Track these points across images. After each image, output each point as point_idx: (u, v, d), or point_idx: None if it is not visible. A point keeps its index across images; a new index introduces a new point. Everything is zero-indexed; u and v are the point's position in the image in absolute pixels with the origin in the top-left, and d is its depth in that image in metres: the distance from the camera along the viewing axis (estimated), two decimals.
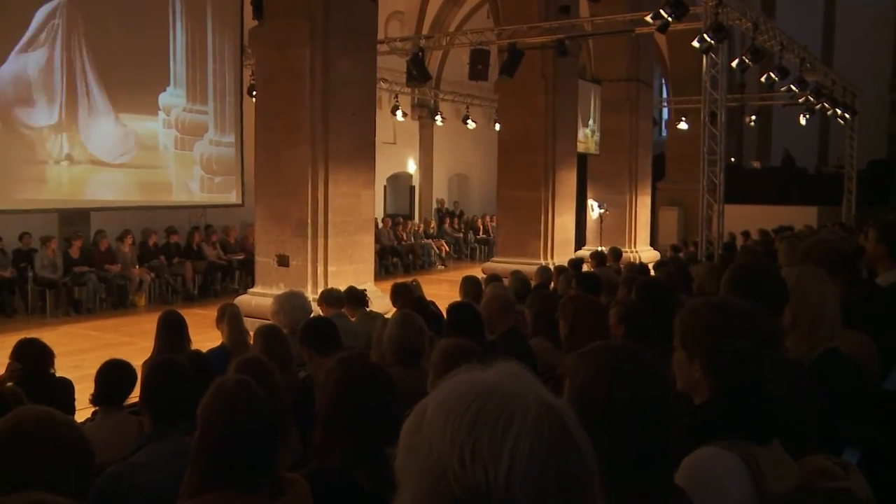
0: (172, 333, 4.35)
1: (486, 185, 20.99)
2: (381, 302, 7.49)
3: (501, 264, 12.22)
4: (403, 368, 3.35)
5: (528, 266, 9.72)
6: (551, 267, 8.31)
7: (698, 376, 1.65)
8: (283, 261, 8.64)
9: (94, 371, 3.26)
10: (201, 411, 1.91)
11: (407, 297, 5.53)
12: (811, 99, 15.92)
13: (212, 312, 5.07)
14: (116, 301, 10.99)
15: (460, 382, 0.77)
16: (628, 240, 15.70)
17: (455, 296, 6.41)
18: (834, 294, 2.29)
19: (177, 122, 10.97)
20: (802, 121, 17.78)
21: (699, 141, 11.08)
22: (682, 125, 19.23)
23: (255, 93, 10.10)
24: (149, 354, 4.27)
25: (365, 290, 6.21)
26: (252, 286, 9.34)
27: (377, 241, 13.60)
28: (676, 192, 19.74)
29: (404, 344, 3.42)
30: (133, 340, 8.29)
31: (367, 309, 5.98)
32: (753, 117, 20.96)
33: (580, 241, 16.25)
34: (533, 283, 7.09)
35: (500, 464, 0.70)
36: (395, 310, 5.98)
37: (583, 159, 15.33)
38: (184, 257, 12.20)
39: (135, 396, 3.08)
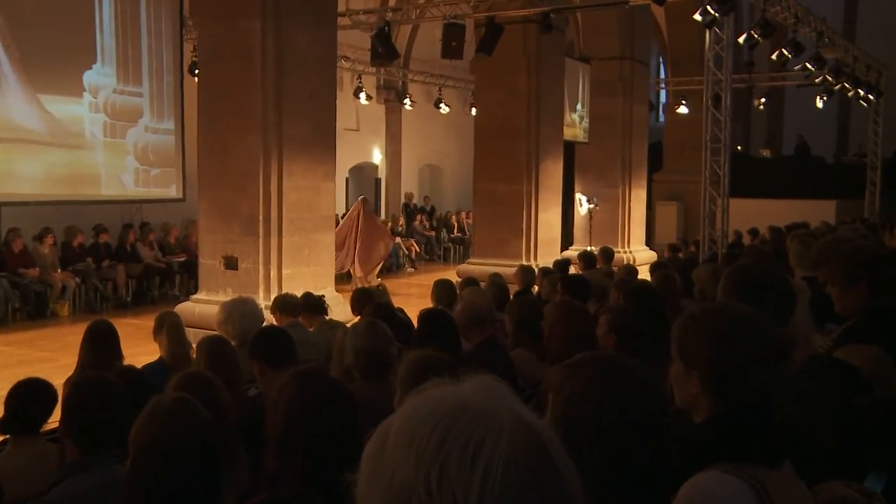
0: (101, 347, 4.29)
1: (461, 177, 21.03)
2: (342, 309, 7.46)
3: (478, 266, 12.25)
4: (368, 384, 3.34)
5: (509, 268, 9.75)
6: (535, 269, 8.35)
7: (697, 391, 1.66)
8: (230, 263, 8.57)
9: (4, 393, 3.18)
10: (134, 436, 1.88)
11: (371, 303, 5.53)
12: (829, 79, 15.71)
13: (148, 322, 5.01)
14: (34, 310, 10.75)
15: (427, 400, 0.76)
16: (621, 239, 15.84)
17: (426, 302, 6.41)
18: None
19: (106, 106, 10.73)
20: (819, 103, 17.87)
21: (701, 127, 11.23)
22: (682, 109, 19.45)
23: (197, 72, 9.99)
24: (72, 371, 4.20)
25: (324, 296, 6.20)
26: (195, 292, 9.27)
27: (337, 242, 13.54)
28: (675, 184, 19.99)
29: (369, 356, 3.42)
30: (54, 356, 8.13)
31: (327, 317, 5.96)
32: (763, 100, 20.85)
33: (567, 241, 16.35)
34: (514, 288, 7.12)
35: (471, 490, 0.69)
36: (357, 318, 5.98)
37: (570, 148, 15.44)
38: (115, 259, 12.04)
39: (55, 421, 3.01)
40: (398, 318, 5.65)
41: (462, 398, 0.75)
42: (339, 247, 13.90)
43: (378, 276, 13.89)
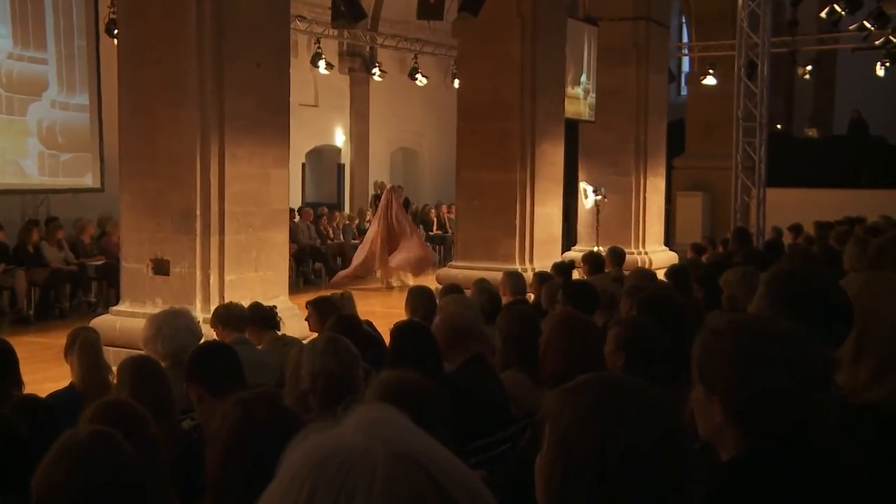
0: None
1: (442, 162, 21.06)
2: (297, 323, 7.44)
3: (462, 270, 12.27)
4: (328, 414, 3.35)
5: (499, 273, 9.78)
6: (530, 274, 8.38)
7: (720, 420, 1.68)
8: (160, 267, 8.55)
9: None
10: (38, 480, 1.87)
11: (333, 315, 5.53)
12: (894, 40, 15.50)
13: (56, 340, 4.99)
14: None
15: (301, 452, 0.79)
16: (634, 237, 15.94)
17: (400, 313, 6.41)
18: None
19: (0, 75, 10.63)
20: (880, 71, 17.78)
21: (732, 102, 11.29)
22: (709, 80, 19.58)
23: (116, 32, 9.93)
24: None
25: (275, 306, 6.20)
26: (116, 303, 9.23)
27: (293, 239, 13.52)
28: (700, 172, 20.13)
29: (329, 380, 3.43)
30: None
31: (279, 332, 5.96)
32: (809, 68, 20.56)
33: (569, 239, 16.40)
34: (505, 296, 7.14)
35: None
36: (316, 333, 5.96)
37: (573, 128, 15.51)
38: (14, 263, 11.91)
39: None
40: (365, 333, 5.65)
41: (336, 443, 0.77)
42: (366, 248, 14.63)
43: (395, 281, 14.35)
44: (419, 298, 6.23)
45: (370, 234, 15.36)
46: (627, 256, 10.85)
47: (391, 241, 14.99)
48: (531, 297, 7.87)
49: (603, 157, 15.95)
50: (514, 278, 7.63)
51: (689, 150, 20.91)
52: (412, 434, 0.79)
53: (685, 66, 24.87)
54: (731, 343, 1.69)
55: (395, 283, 15.10)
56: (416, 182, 22.74)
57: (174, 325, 4.85)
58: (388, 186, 16.28)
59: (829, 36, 18.78)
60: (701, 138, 20.43)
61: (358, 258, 15.24)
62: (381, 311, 10.30)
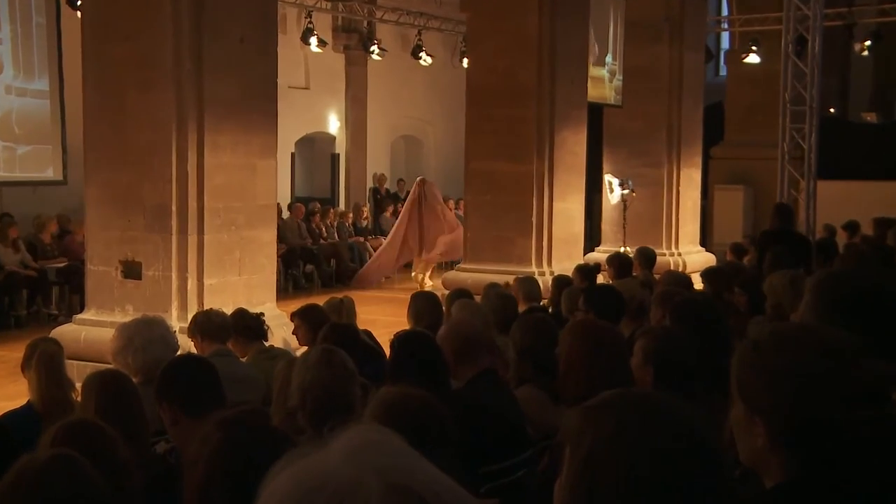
0: None
1: (449, 153, 21.07)
2: (286, 332, 7.45)
3: (472, 274, 12.27)
4: (320, 434, 3.35)
5: (513, 277, 9.76)
6: (548, 278, 8.38)
7: (763, 443, 1.68)
8: (131, 270, 8.56)
9: None
10: None
11: (325, 324, 5.53)
12: None
13: (13, 353, 5.00)
14: None
15: (285, 479, 0.79)
16: (666, 236, 15.93)
17: (402, 322, 6.42)
18: None
19: None
20: None
21: (778, 83, 11.23)
22: (753, 58, 19.54)
23: (80, 4, 9.95)
24: None
25: (262, 314, 6.21)
26: (81, 310, 9.25)
27: (281, 239, 13.53)
28: (742, 162, 20.07)
29: (321, 397, 3.43)
30: None
31: (266, 343, 5.96)
32: (867, 43, 20.16)
33: (593, 239, 16.37)
34: (520, 303, 7.15)
35: None
36: (306, 348, 5.97)
37: (597, 114, 15.49)
38: None
39: None
40: (363, 343, 5.66)
41: (324, 470, 0.78)
42: (396, 245, 15.11)
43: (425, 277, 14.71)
44: (423, 305, 6.24)
45: (399, 231, 15.78)
46: (658, 258, 10.84)
47: (424, 238, 15.43)
48: (547, 303, 7.86)
49: (631, 145, 15.93)
50: (530, 283, 7.65)
51: (728, 137, 20.87)
52: (410, 461, 0.79)
53: (725, 43, 24.81)
54: (774, 357, 1.68)
55: (429, 282, 15.40)
56: (419, 174, 22.65)
57: (147, 335, 4.86)
58: (419, 179, 16.75)
59: (892, 6, 18.69)
60: (742, 124, 20.39)
61: (387, 256, 15.68)
62: (383, 320, 10.30)
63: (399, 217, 16.53)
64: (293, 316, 6.30)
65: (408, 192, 20.51)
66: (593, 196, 16.58)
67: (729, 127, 20.93)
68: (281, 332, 7.39)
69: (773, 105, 14.94)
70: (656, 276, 8.80)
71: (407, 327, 5.70)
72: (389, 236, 16.32)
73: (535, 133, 12.80)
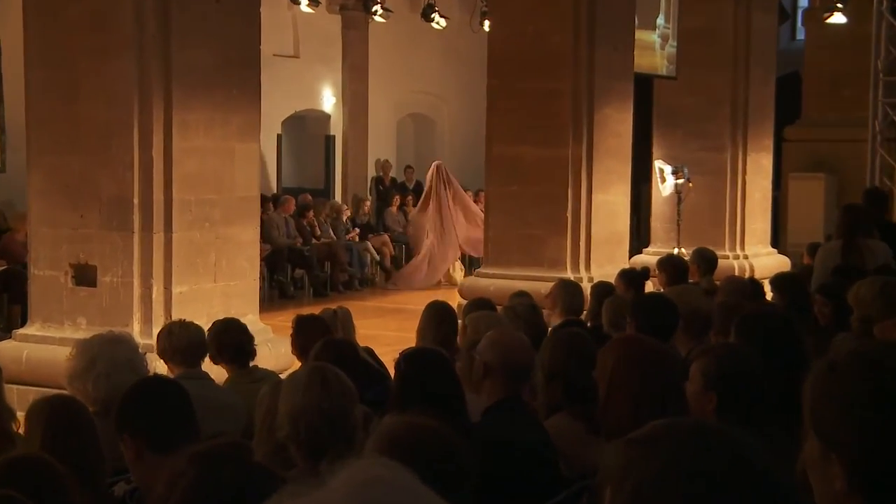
0: None
1: (467, 134, 21.06)
2: (271, 350, 7.47)
3: (494, 280, 12.27)
4: (312, 470, 3.37)
5: (543, 283, 9.76)
6: (586, 285, 8.38)
7: (841, 487, 1.67)
8: (84, 275, 8.58)
9: None
10: None
11: (320, 338, 5.54)
12: None
13: None
14: None
15: None
16: (730, 235, 15.88)
17: (409, 337, 6.43)
18: None
19: None
20: None
21: (869, 47, 11.05)
22: (837, 18, 19.41)
23: None
24: None
25: (244, 328, 6.21)
26: (23, 324, 9.28)
27: (265, 238, 13.56)
28: (823, 145, 19.95)
29: (314, 426, 3.44)
30: None
31: (251, 364, 5.98)
32: None
33: (640, 239, 16.32)
34: (553, 315, 7.14)
35: None
36: (298, 364, 5.97)
37: (645, 87, 15.46)
38: None
39: None
40: (364, 363, 5.66)
41: None
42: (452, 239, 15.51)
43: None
44: (436, 317, 6.25)
45: (448, 219, 16.43)
46: (720, 261, 10.82)
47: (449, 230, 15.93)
48: (585, 316, 7.86)
49: (687, 125, 15.88)
50: (573, 291, 7.63)
51: (806, 115, 20.76)
52: (421, 500, 0.80)
53: (803, 0, 24.69)
54: (853, 383, 1.68)
55: (457, 277, 15.75)
56: (432, 160, 22.65)
57: (112, 357, 4.86)
58: (436, 163, 17.05)
59: None
60: (824, 99, 20.26)
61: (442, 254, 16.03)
62: (386, 335, 10.34)
63: (431, 205, 16.83)
64: (294, 323, 6.33)
65: (419, 184, 20.58)
66: (641, 187, 16.54)
67: (807, 102, 20.82)
68: (264, 349, 7.40)
69: (863, 75, 14.82)
70: (718, 284, 8.77)
71: (416, 345, 5.71)
72: (435, 229, 16.62)
73: (570, 110, 12.78)
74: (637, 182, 14.62)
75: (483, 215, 14.85)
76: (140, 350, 5.28)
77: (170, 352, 5.66)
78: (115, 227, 8.46)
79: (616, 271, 9.38)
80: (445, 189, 16.54)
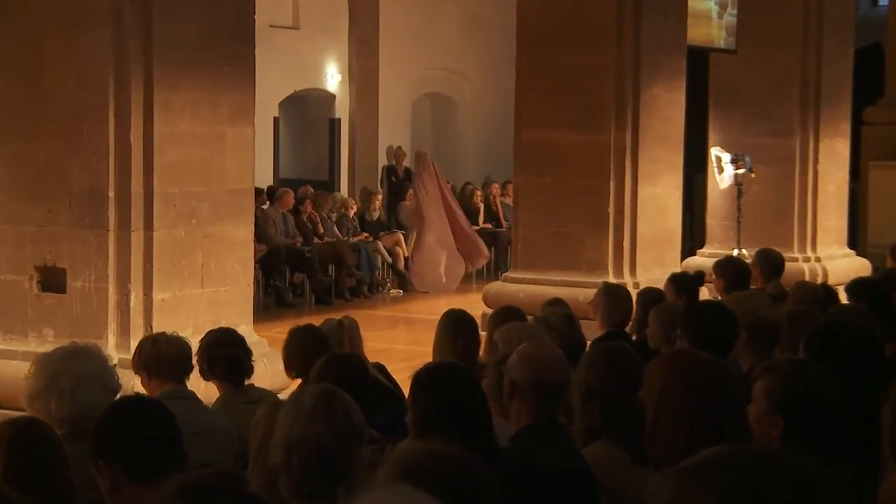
0: None
1: (492, 117, 21.02)
2: (267, 367, 7.48)
3: (524, 286, 12.27)
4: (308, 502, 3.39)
5: (581, 290, 9.75)
6: (631, 291, 8.36)
7: None
8: (51, 280, 8.59)
9: None
10: None
11: (316, 355, 5.56)
12: None
13: None
14: None
15: None
16: (799, 234, 15.82)
17: (426, 351, 6.44)
18: None
19: None
20: None
21: None
22: None
23: None
24: None
25: (242, 340, 6.22)
26: None
27: (261, 237, 13.58)
28: None
29: (313, 454, 3.46)
30: None
31: (246, 382, 6.00)
32: None
33: (694, 238, 16.28)
34: (602, 326, 7.14)
35: None
36: (297, 382, 5.98)
37: (700, 62, 15.42)
38: None
39: None
40: (375, 382, 5.68)
41: None
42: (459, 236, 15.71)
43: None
44: (453, 328, 6.25)
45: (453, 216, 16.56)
46: (788, 265, 10.78)
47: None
48: (630, 328, 7.85)
49: (748, 106, 15.83)
50: (610, 298, 7.61)
51: (890, 94, 20.65)
52: None
53: None
54: None
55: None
56: (452, 147, 22.72)
57: (76, 371, 4.87)
58: (422, 152, 17.14)
59: None
60: None
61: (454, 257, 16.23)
62: (400, 349, 10.35)
63: (427, 199, 16.94)
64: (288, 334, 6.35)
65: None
66: (695, 178, 16.51)
67: (891, 79, 20.71)
68: (258, 365, 7.40)
69: None
70: (787, 290, 8.74)
71: (434, 360, 5.72)
72: (434, 229, 16.78)
73: (613, 89, 12.77)
74: (690, 173, 14.59)
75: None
76: (109, 362, 5.26)
77: (151, 367, 5.67)
78: (87, 224, 8.48)
79: (665, 276, 9.37)
80: (437, 184, 16.68)
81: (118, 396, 4.79)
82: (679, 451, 2.88)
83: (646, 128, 12.91)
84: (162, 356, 5.70)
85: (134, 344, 6.78)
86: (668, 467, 1.63)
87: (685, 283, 8.66)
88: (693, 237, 16.54)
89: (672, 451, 3.27)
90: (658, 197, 13.15)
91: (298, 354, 6.10)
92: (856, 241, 17.62)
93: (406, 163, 20.80)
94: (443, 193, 17.30)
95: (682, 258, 13.91)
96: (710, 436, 3.15)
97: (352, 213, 17.93)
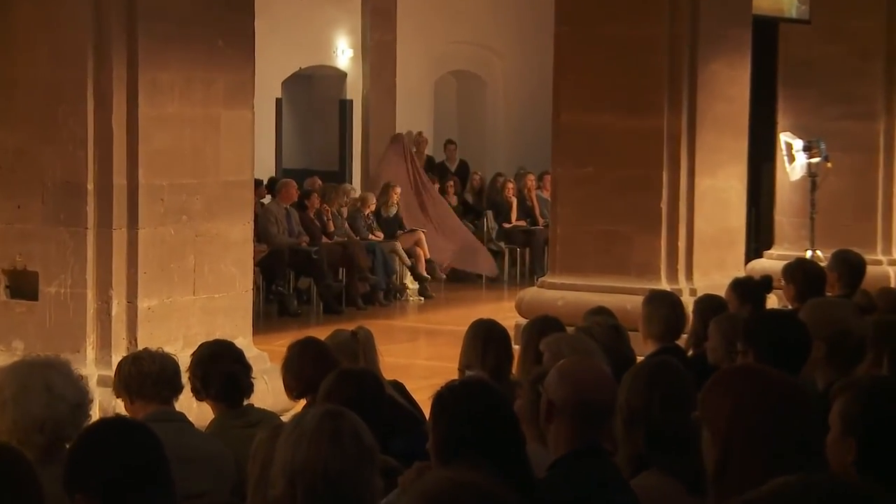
0: None
1: (527, 98, 21.03)
2: (271, 384, 7.50)
3: (564, 293, 12.28)
4: None
5: (629, 297, 9.74)
6: (687, 300, 8.36)
7: None
8: (21, 284, 8.63)
9: None
10: None
11: (323, 372, 5.57)
12: None
13: None
14: None
15: None
16: (884, 233, 15.75)
17: (450, 368, 6.44)
18: None
19: None
20: None
21: None
22: None
23: None
24: None
25: (240, 354, 6.23)
26: None
27: (262, 236, 13.61)
28: None
29: (320, 485, 3.46)
30: None
31: (245, 402, 6.02)
32: None
33: (761, 238, 16.25)
34: (645, 340, 7.14)
35: None
36: (301, 403, 5.99)
37: (767, 34, 15.38)
38: None
39: None
40: (392, 402, 5.69)
41: None
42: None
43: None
44: (482, 339, 6.26)
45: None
46: (870, 268, 10.74)
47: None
48: (686, 342, 7.84)
49: (824, 85, 15.79)
50: (663, 307, 7.59)
51: None
52: None
53: None
54: None
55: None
56: (480, 133, 22.73)
57: (40, 387, 4.87)
58: (400, 135, 17.35)
59: None
60: None
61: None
62: (421, 365, 10.37)
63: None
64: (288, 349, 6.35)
65: (464, 164, 20.60)
66: (762, 168, 16.49)
67: None
68: (258, 383, 7.41)
69: None
70: (872, 298, 8.70)
71: (460, 376, 5.72)
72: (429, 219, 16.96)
73: (666, 66, 12.77)
74: (756, 162, 14.56)
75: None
76: (74, 375, 5.16)
77: (132, 387, 5.67)
78: (62, 221, 8.51)
79: (727, 281, 9.36)
80: (408, 169, 16.85)
81: (94, 421, 4.78)
82: (751, 481, 2.87)
83: (704, 110, 12.90)
84: (144, 374, 5.68)
85: (116, 359, 6.79)
86: (735, 498, 1.63)
87: (750, 289, 8.64)
88: (759, 237, 16.51)
89: (738, 483, 3.26)
90: (718, 190, 13.14)
91: (299, 372, 6.11)
92: None
93: (429, 150, 20.85)
94: (414, 181, 17.36)
95: (747, 261, 13.88)
96: (778, 464, 3.14)
97: (367, 209, 17.86)
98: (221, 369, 5.98)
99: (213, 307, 8.84)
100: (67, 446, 4.15)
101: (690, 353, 7.54)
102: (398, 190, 18.80)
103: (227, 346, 6.25)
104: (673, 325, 7.47)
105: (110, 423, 4.36)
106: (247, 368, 6.05)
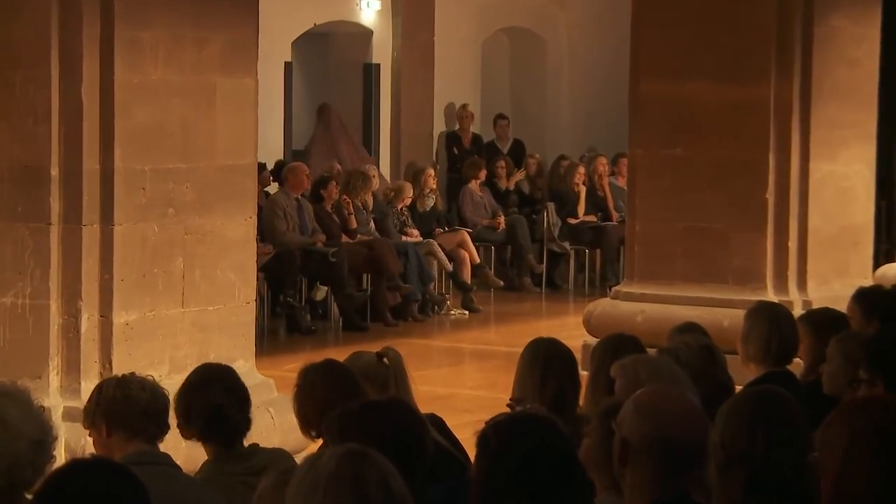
0: None
1: (595, 63, 21.06)
2: (278, 418, 7.55)
3: (644, 305, 12.31)
4: None
5: (729, 311, 9.75)
6: (798, 312, 8.36)
7: None
8: None
9: None
10: None
11: (344, 401, 5.60)
12: None
13: None
14: None
15: None
16: None
17: (500, 398, 6.48)
18: None
19: None
20: None
21: None
22: None
23: None
24: None
25: (237, 382, 6.27)
26: None
27: (267, 234, 13.67)
28: None
29: None
30: None
31: (243, 441, 6.04)
32: None
33: (893, 238, 16.25)
34: (748, 363, 7.15)
35: None
36: (318, 443, 6.02)
37: None
38: None
39: None
40: (429, 443, 5.72)
41: None
42: None
43: None
44: (541, 363, 6.28)
45: None
46: None
47: None
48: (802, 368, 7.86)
49: None
50: (769, 323, 7.59)
51: None
52: None
53: None
54: None
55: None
56: (540, 106, 22.76)
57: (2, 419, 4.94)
58: (327, 105, 17.63)
59: None
60: None
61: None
62: (465, 395, 10.42)
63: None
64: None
65: (518, 144, 20.61)
66: (894, 149, 16.48)
67: None
68: (262, 416, 7.46)
69: None
70: None
71: (513, 409, 5.75)
72: None
73: (773, 22, 12.79)
74: (888, 142, 14.56)
75: None
76: (34, 406, 5.19)
77: (113, 415, 5.70)
78: (20, 215, 8.58)
79: (850, 291, 9.37)
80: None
81: (67, 462, 4.82)
82: None
83: (822, 77, 12.90)
84: (132, 401, 5.71)
85: (86, 387, 6.87)
86: None
87: (878, 301, 8.65)
88: (891, 236, 16.53)
89: None
90: (839, 177, 13.14)
91: (323, 401, 6.12)
92: None
93: (474, 128, 20.80)
94: (353, 161, 17.65)
95: (875, 266, 13.86)
96: None
97: (402, 202, 17.86)
98: (206, 401, 5.98)
99: (206, 322, 8.88)
100: (28, 496, 4.18)
101: (801, 377, 7.54)
102: (433, 176, 18.75)
103: (219, 372, 6.26)
104: (780, 345, 7.47)
105: (85, 467, 4.38)
106: (240, 400, 6.02)
